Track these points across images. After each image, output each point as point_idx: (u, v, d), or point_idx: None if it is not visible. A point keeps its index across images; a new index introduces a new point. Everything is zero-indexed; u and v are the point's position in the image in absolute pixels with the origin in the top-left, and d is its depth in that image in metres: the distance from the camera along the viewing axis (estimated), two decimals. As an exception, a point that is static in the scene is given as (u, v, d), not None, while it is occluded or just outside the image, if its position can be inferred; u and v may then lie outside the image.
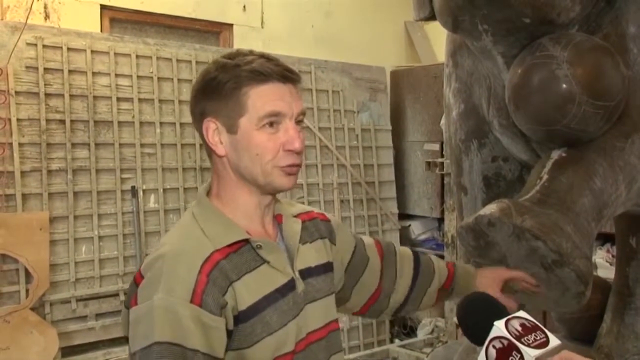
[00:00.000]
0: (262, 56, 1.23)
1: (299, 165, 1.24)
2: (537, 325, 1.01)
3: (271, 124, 1.19)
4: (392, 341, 4.84)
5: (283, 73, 1.21)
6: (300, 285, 1.26)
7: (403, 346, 4.55)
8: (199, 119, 1.24)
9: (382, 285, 1.52)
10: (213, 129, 1.22)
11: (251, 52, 1.24)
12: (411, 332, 4.94)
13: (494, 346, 0.99)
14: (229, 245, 1.18)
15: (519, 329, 0.99)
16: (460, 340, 2.66)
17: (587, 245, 1.31)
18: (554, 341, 0.99)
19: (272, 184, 1.22)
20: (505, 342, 0.98)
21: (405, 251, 1.60)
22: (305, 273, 1.29)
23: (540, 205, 1.32)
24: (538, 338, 0.98)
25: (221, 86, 1.20)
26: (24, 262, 3.35)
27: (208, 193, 1.28)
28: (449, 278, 1.57)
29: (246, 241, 1.20)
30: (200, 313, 1.09)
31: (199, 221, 1.21)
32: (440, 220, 5.01)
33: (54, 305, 3.54)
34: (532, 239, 1.26)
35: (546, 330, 1.00)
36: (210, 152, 1.25)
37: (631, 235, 1.89)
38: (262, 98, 1.19)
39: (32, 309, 3.37)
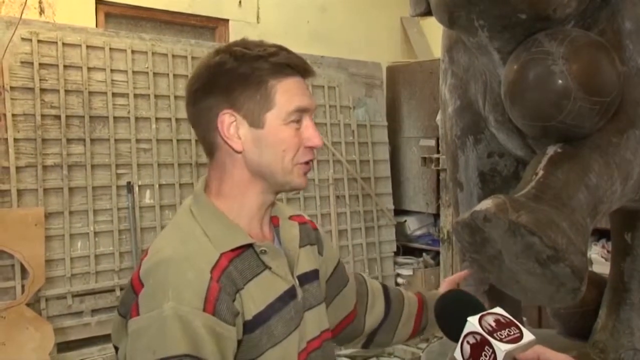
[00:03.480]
0: (282, 48, 1.18)
1: (312, 161, 1.22)
2: (512, 321, 1.02)
3: (296, 120, 1.16)
4: (387, 336, 4.85)
5: (305, 67, 1.19)
6: (299, 292, 1.21)
7: (399, 341, 4.55)
8: (208, 112, 1.15)
9: (357, 309, 1.46)
10: (230, 122, 1.14)
11: (263, 42, 1.19)
12: (407, 327, 4.94)
13: (468, 342, 1.00)
14: (232, 250, 1.12)
15: (493, 324, 1.00)
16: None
17: (583, 241, 1.31)
18: (528, 336, 1.00)
19: (290, 183, 1.19)
20: (479, 338, 0.99)
21: (374, 282, 1.55)
22: (303, 279, 1.25)
23: (536, 201, 1.32)
24: (511, 333, 1.00)
25: (243, 78, 1.13)
26: (19, 257, 3.34)
27: (205, 190, 1.20)
28: (420, 304, 1.53)
29: (249, 245, 1.14)
30: (214, 322, 1.02)
31: (200, 222, 1.14)
32: (436, 216, 5.03)
33: (49, 301, 3.54)
34: (528, 235, 1.26)
35: (521, 326, 1.02)
36: (216, 146, 1.17)
37: (626, 231, 1.90)
38: (289, 92, 1.15)
39: (28, 304, 3.37)
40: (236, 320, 1.07)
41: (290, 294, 1.18)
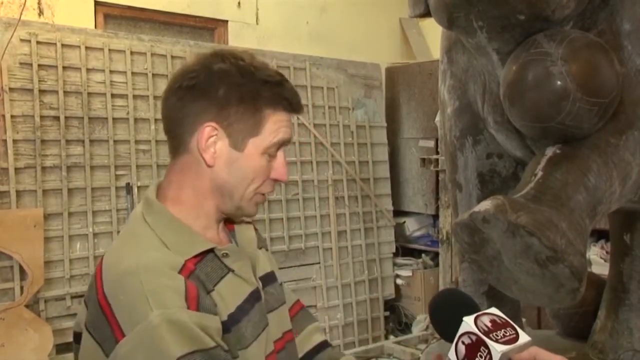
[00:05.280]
0: (285, 79, 1.18)
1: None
2: (508, 322, 1.01)
3: (273, 154, 1.16)
4: (387, 337, 4.85)
5: (300, 106, 1.19)
6: (262, 294, 1.21)
7: (398, 342, 4.56)
8: (193, 114, 1.12)
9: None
10: (210, 135, 1.12)
11: (269, 67, 1.18)
12: (406, 328, 4.95)
13: (463, 342, 0.99)
14: (195, 256, 1.10)
15: (489, 324, 0.99)
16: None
17: (582, 241, 1.31)
18: (524, 338, 0.99)
19: (243, 210, 1.18)
20: (474, 338, 0.98)
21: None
22: (264, 280, 1.25)
23: (535, 202, 1.32)
24: (507, 334, 0.99)
25: (244, 98, 1.12)
26: (18, 259, 3.34)
27: (158, 195, 1.17)
28: None
29: (210, 250, 1.13)
30: (201, 317, 1.02)
31: (157, 232, 1.10)
32: (435, 217, 5.02)
33: (48, 302, 3.53)
34: (527, 236, 1.26)
35: (517, 327, 1.01)
36: (186, 149, 1.14)
37: (625, 232, 1.90)
38: (277, 124, 1.15)
39: (27, 306, 3.36)
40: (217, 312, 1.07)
41: (255, 296, 1.18)
